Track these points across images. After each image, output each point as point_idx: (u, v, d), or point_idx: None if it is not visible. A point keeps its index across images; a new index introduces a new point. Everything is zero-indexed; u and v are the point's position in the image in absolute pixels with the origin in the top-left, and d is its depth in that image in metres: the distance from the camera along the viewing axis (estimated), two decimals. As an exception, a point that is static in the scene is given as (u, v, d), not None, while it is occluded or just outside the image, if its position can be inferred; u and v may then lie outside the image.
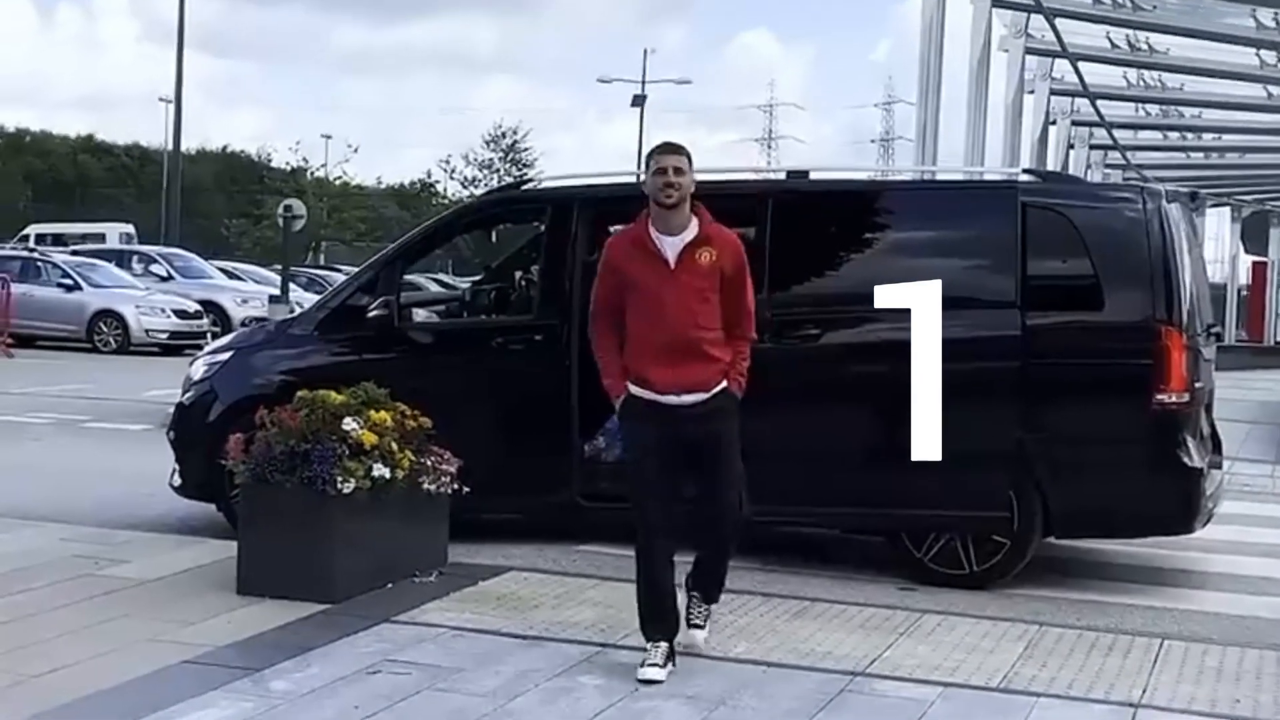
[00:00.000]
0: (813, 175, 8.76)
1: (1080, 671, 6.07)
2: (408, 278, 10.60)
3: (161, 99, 60.41)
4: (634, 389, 5.77)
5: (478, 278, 10.44)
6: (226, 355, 9.13)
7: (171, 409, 9.49)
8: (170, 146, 49.43)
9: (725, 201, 9.33)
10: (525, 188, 9.38)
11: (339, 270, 37.40)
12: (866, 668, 6.02)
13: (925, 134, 18.08)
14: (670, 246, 5.72)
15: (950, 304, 7.88)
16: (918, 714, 5.44)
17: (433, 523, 7.40)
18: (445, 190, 61.33)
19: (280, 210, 29.16)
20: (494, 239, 9.99)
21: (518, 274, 9.76)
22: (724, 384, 5.77)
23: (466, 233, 9.97)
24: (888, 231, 8.44)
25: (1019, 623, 6.93)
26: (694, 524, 5.95)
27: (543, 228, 8.94)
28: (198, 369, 9.10)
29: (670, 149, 5.83)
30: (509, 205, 9.65)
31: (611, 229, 10.00)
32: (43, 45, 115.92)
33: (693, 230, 5.75)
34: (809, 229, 8.35)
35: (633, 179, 8.41)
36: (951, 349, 7.81)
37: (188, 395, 8.99)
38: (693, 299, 5.69)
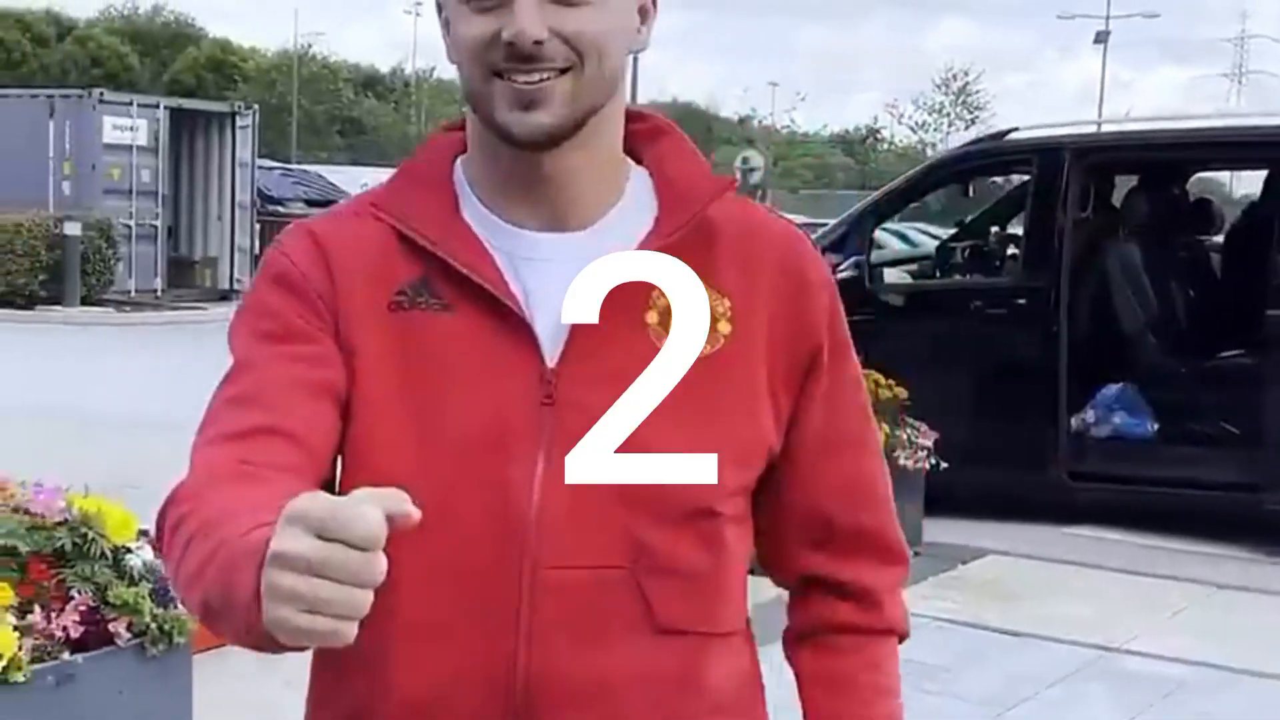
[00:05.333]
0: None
1: None
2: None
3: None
4: None
5: (950, 233, 9.85)
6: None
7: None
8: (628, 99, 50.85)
9: (1252, 151, 8.36)
10: (1010, 137, 8.70)
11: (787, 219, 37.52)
12: None
13: None
14: (553, 277, 1.35)
15: None
16: None
17: (908, 498, 6.95)
18: (891, 136, 60.52)
19: (738, 162, 29.45)
20: (971, 192, 9.35)
21: (994, 231, 9.14)
22: None
23: (944, 186, 9.38)
24: None
25: None
26: None
27: (1029, 180, 8.29)
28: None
29: None
30: (993, 156, 8.98)
31: (1110, 183, 9.21)
32: None
33: (644, 221, 1.41)
34: None
35: (1134, 126, 7.59)
36: None
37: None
38: (657, 521, 1.37)
